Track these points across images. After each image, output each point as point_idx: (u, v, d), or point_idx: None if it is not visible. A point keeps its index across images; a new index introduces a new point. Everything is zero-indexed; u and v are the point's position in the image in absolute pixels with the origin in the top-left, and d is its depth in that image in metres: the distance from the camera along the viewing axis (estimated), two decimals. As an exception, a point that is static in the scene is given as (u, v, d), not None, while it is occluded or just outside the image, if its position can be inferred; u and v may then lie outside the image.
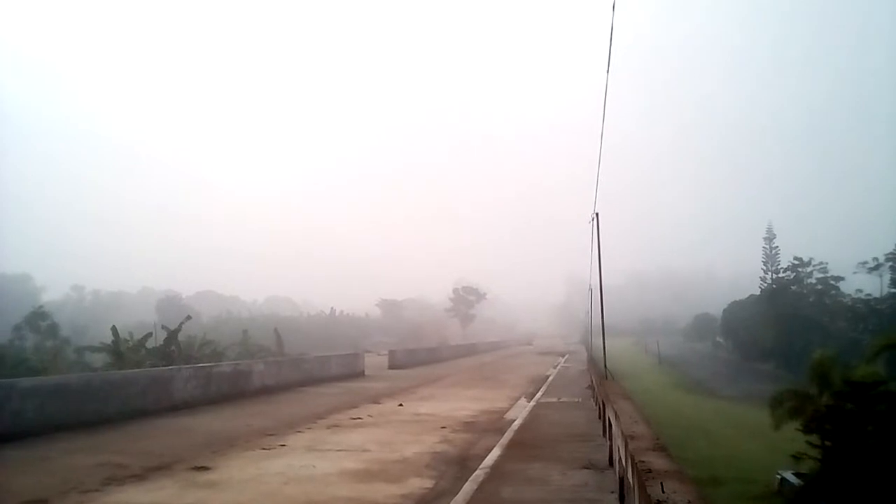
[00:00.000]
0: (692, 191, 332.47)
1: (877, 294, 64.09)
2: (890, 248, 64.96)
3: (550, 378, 34.50)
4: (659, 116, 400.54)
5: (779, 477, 18.02)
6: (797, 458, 17.54)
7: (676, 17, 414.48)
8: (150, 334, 36.54)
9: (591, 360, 37.29)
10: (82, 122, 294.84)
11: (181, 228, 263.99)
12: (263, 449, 13.62)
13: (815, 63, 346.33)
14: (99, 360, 36.85)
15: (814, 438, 17.37)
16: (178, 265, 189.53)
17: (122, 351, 33.26)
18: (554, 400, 23.11)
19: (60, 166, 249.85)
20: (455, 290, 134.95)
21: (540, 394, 25.35)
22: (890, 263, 64.45)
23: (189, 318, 40.73)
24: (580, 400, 22.72)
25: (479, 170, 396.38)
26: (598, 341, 27.38)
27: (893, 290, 62.94)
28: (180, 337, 36.80)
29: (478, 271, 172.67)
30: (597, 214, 22.71)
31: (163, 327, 37.86)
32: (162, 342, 36.09)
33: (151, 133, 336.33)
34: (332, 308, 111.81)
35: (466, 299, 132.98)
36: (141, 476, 11.00)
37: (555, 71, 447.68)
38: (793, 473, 17.58)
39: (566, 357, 59.36)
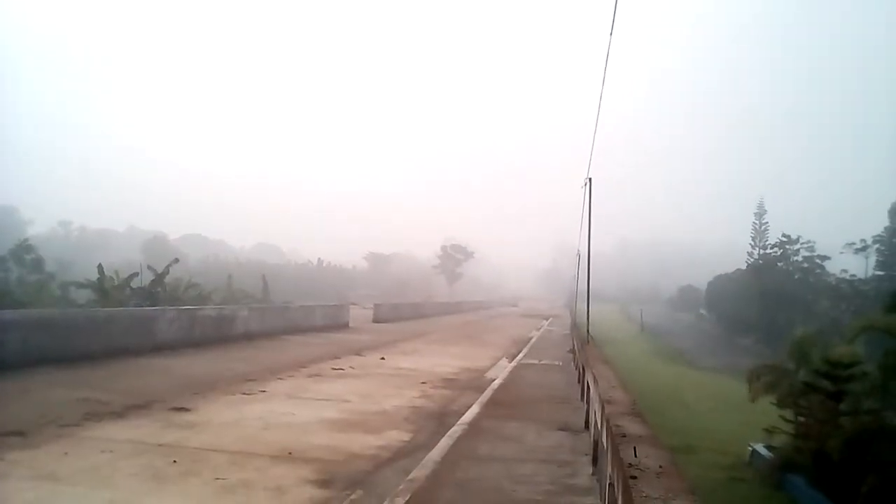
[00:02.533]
0: (685, 162, 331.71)
1: (861, 275, 64.54)
2: (878, 231, 65.30)
3: (533, 340, 34.69)
4: (656, 86, 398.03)
5: (751, 449, 18.30)
6: (770, 431, 17.81)
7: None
8: (136, 274, 36.45)
9: (575, 325, 37.56)
10: (76, 59, 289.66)
11: (170, 170, 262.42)
12: (244, 394, 13.70)
13: (810, 41, 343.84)
14: (83, 296, 36.85)
15: (787, 413, 17.63)
16: (167, 206, 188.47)
17: (107, 289, 33.22)
18: (535, 362, 23.27)
19: (51, 102, 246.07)
20: (443, 248, 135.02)
21: (522, 355, 25.53)
22: (877, 245, 64.78)
23: (177, 260, 40.66)
24: (561, 363, 22.89)
25: (472, 130, 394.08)
26: (582, 306, 27.55)
27: (878, 273, 63.40)
28: (166, 279, 36.75)
29: (467, 231, 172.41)
30: (590, 180, 22.68)
31: (149, 268, 37.77)
32: (148, 283, 36.04)
33: (146, 74, 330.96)
34: (319, 258, 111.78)
35: (454, 257, 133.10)
36: (120, 413, 11.06)
37: (552, 29, 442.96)
38: (764, 446, 17.85)
39: (550, 320, 59.67)
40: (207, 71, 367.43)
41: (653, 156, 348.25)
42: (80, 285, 36.63)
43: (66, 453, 8.50)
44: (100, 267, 34.45)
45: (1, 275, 49.87)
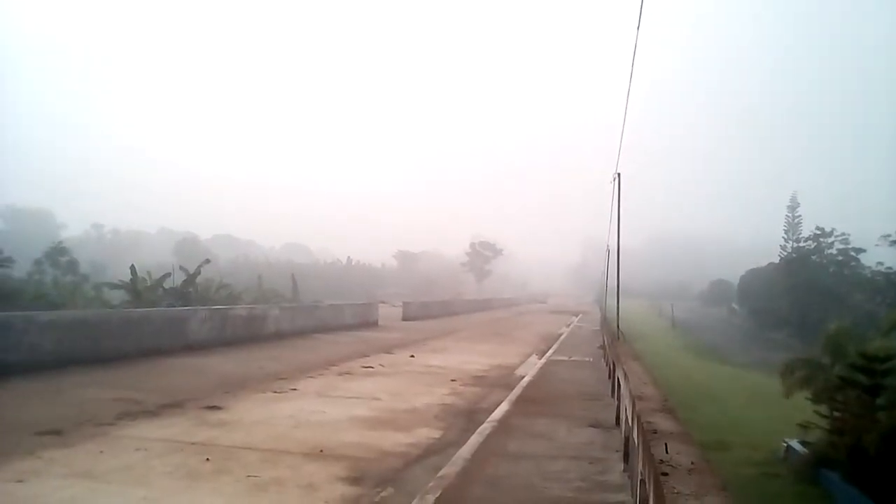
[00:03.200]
0: (716, 155, 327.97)
1: (897, 268, 63.34)
2: (915, 222, 64.23)
3: (562, 336, 34.57)
4: (685, 79, 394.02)
5: (785, 445, 18.05)
6: (805, 427, 17.56)
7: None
8: (168, 274, 36.87)
9: (604, 321, 37.35)
10: (107, 59, 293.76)
11: (202, 171, 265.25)
12: (275, 392, 13.81)
13: (846, 29, 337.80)
14: (117, 297, 37.31)
15: (822, 409, 17.37)
16: (198, 207, 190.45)
17: (139, 290, 33.63)
18: (565, 358, 23.18)
19: (85, 105, 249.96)
20: (472, 245, 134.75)
21: (551, 352, 25.44)
22: (915, 237, 63.49)
23: (208, 261, 41.07)
24: (591, 359, 22.78)
25: (500, 126, 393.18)
26: (612, 302, 27.39)
27: (916, 265, 62.17)
28: (198, 279, 37.14)
29: (495, 228, 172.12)
30: (618, 175, 22.54)
31: (181, 268, 38.19)
32: (180, 283, 36.44)
33: (172, 81, 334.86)
34: (348, 257, 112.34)
35: (482, 254, 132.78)
36: (154, 412, 11.21)
37: (581, 26, 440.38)
38: (799, 442, 17.59)
39: (579, 317, 59.42)
40: (233, 75, 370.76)
41: (683, 149, 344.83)
42: (114, 286, 37.10)
43: (101, 452, 8.63)
44: (132, 268, 34.88)
45: (36, 277, 50.57)
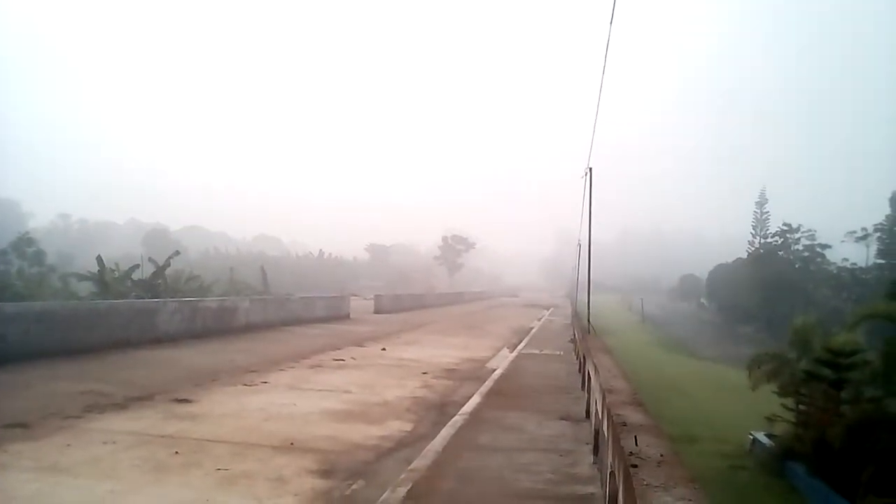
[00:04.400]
0: (686, 151, 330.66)
1: (862, 264, 64.36)
2: (879, 219, 65.16)
3: (534, 330, 34.74)
4: (656, 75, 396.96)
5: (751, 437, 18.31)
6: (771, 420, 17.83)
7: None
8: (137, 266, 36.50)
9: (576, 315, 37.58)
10: (76, 50, 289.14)
11: (173, 162, 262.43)
12: (245, 385, 13.73)
13: (812, 31, 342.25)
14: (84, 288, 36.86)
15: (788, 402, 17.63)
16: (167, 198, 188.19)
17: (107, 281, 33.23)
18: (536, 352, 23.29)
19: (52, 94, 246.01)
20: (444, 239, 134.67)
21: (522, 345, 25.55)
22: (878, 234, 64.60)
23: (177, 252, 40.64)
24: (562, 353, 22.91)
25: (472, 119, 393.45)
26: (583, 296, 27.57)
27: (879, 261, 63.20)
28: (167, 271, 36.77)
29: (468, 221, 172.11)
30: (590, 169, 22.65)
31: (150, 260, 37.80)
32: (149, 275, 36.06)
33: (146, 71, 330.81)
34: (320, 250, 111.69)
35: (455, 248, 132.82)
36: (122, 405, 11.09)
37: (553, 20, 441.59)
38: (765, 435, 17.86)
39: (551, 310, 59.73)
40: (208, 67, 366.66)
41: (654, 145, 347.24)
42: (81, 277, 36.63)
43: (68, 445, 8.52)
44: (99, 259, 34.47)
45: (2, 267, 49.77)
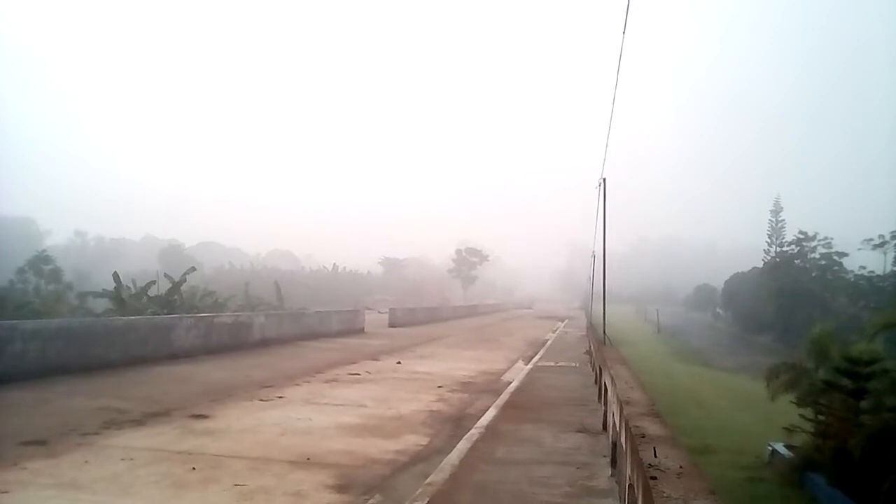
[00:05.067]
0: (700, 160, 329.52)
1: (880, 271, 63.88)
2: (896, 227, 64.71)
3: (549, 342, 34.65)
4: (669, 85, 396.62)
5: (770, 448, 18.16)
6: (790, 430, 17.68)
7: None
8: (153, 282, 36.68)
9: (591, 326, 37.44)
10: (88, 66, 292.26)
11: (187, 179, 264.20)
12: (261, 400, 13.75)
13: (825, 36, 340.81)
14: (101, 305, 37.06)
15: (807, 412, 17.48)
16: (182, 215, 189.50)
17: (124, 298, 33.43)
18: (551, 364, 23.20)
19: (68, 111, 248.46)
20: (458, 251, 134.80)
21: (538, 357, 25.46)
22: (895, 241, 64.14)
23: (193, 268, 40.94)
24: (577, 365, 22.81)
25: (485, 131, 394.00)
26: (598, 307, 27.47)
27: (897, 269, 62.80)
28: (183, 287, 36.96)
29: (481, 234, 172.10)
30: (604, 180, 22.59)
31: (165, 276, 38.01)
32: (165, 291, 36.25)
33: (160, 85, 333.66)
34: (334, 264, 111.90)
35: (469, 260, 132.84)
36: (140, 421, 11.13)
37: (566, 29, 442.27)
38: (784, 445, 17.71)
39: (566, 322, 59.55)
40: (221, 85, 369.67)
41: (667, 154, 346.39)
42: (98, 295, 36.84)
43: (86, 462, 8.56)
44: (115, 275, 34.65)
45: (20, 285, 50.21)
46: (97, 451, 9.10)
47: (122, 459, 8.69)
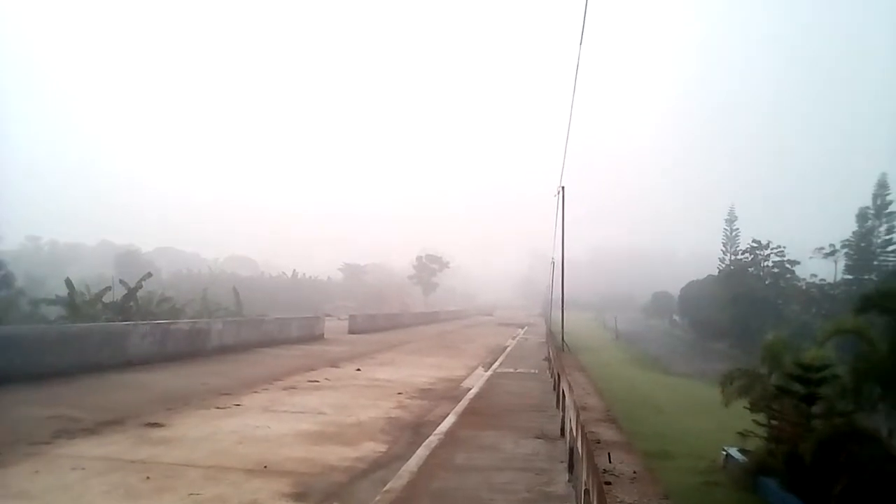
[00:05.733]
0: (658, 169, 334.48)
1: (831, 279, 65.34)
2: (846, 236, 66.20)
3: (509, 349, 34.82)
4: (628, 95, 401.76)
5: (724, 453, 18.41)
6: (744, 435, 17.95)
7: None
8: (108, 288, 35.98)
9: (550, 333, 37.69)
10: (42, 68, 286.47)
11: (145, 183, 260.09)
12: (218, 408, 13.59)
13: (780, 50, 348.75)
14: (54, 312, 36.26)
15: (760, 417, 17.77)
16: (140, 219, 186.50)
17: (78, 304, 32.75)
18: (511, 370, 23.32)
19: (15, 110, 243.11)
20: (418, 258, 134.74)
21: (497, 364, 25.58)
22: (845, 250, 65.63)
23: (150, 274, 40.13)
24: (537, 371, 22.96)
25: (445, 139, 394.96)
26: (557, 314, 27.69)
27: (847, 276, 64.19)
28: (139, 293, 36.32)
29: (442, 241, 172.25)
30: (563, 188, 22.83)
31: (121, 282, 37.33)
32: (120, 297, 35.59)
33: (114, 88, 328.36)
34: (294, 270, 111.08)
35: (429, 267, 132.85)
36: (92, 430, 10.93)
37: (524, 42, 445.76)
38: (738, 450, 17.97)
39: (526, 329, 59.89)
40: (178, 83, 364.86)
41: (626, 164, 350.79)
42: (51, 301, 36.01)
43: (36, 471, 8.38)
44: (68, 282, 33.94)
45: (-31, 292, 48.90)
46: (48, 461, 8.92)
47: (74, 469, 8.53)
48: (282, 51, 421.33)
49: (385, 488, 7.90)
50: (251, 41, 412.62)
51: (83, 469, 8.53)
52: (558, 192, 22.96)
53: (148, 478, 8.23)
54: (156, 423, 11.64)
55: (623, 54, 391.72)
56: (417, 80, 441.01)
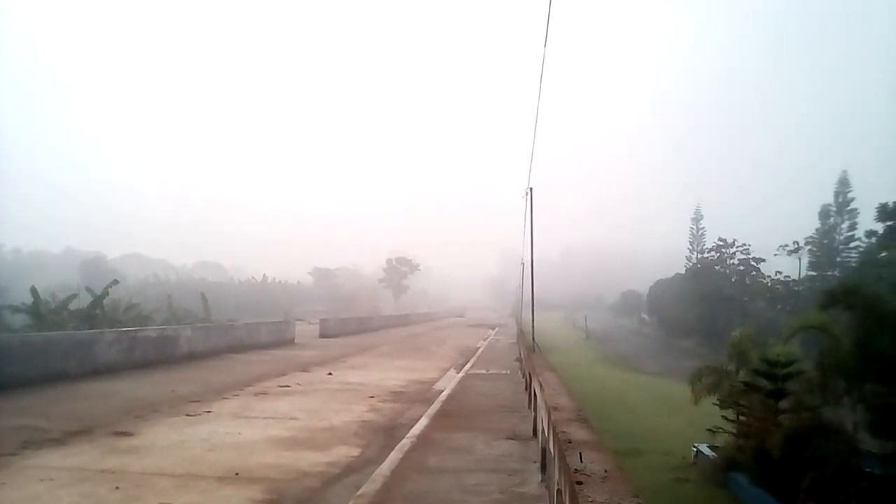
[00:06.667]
0: (624, 169, 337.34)
1: (795, 276, 66.31)
2: (809, 233, 67.23)
3: (480, 350, 34.89)
4: (596, 93, 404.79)
5: (695, 450, 18.64)
6: (713, 431, 18.19)
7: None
8: (74, 296, 35.50)
9: (521, 334, 37.83)
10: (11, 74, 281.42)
11: (109, 189, 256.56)
12: (188, 415, 13.47)
13: (745, 50, 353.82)
14: (19, 321, 35.64)
15: (729, 413, 18.02)
16: (105, 226, 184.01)
17: (43, 312, 32.23)
18: (482, 371, 23.38)
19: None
20: (388, 261, 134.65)
21: (469, 365, 25.62)
22: (809, 247, 66.65)
23: (116, 281, 39.59)
24: (508, 372, 23.04)
25: (413, 141, 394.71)
26: (528, 315, 27.82)
27: (811, 273, 65.20)
28: (105, 300, 35.83)
29: (413, 242, 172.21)
30: (531, 189, 22.94)
31: (87, 289, 36.81)
32: (87, 305, 35.08)
33: (81, 90, 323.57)
34: (263, 275, 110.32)
35: (399, 270, 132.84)
36: (60, 440, 10.78)
37: (494, 44, 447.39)
38: (708, 446, 18.20)
39: (497, 330, 60.03)
40: (144, 88, 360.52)
41: (596, 165, 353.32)
42: (15, 309, 35.38)
43: (2, 483, 8.25)
44: (33, 289, 33.39)
45: (-71, 301, 47.89)
46: (14, 473, 8.78)
47: (42, 480, 8.40)
48: (253, 56, 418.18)
49: (358, 493, 7.89)
50: (218, 45, 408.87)
51: (51, 480, 8.41)
52: (526, 193, 23.07)
53: (117, 488, 8.14)
54: (125, 432, 11.51)
55: (592, 55, 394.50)
56: (388, 83, 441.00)
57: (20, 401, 14.75)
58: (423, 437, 11.32)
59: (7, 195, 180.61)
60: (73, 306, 34.85)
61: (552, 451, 6.43)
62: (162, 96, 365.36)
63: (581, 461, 4.65)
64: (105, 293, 35.49)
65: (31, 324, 32.22)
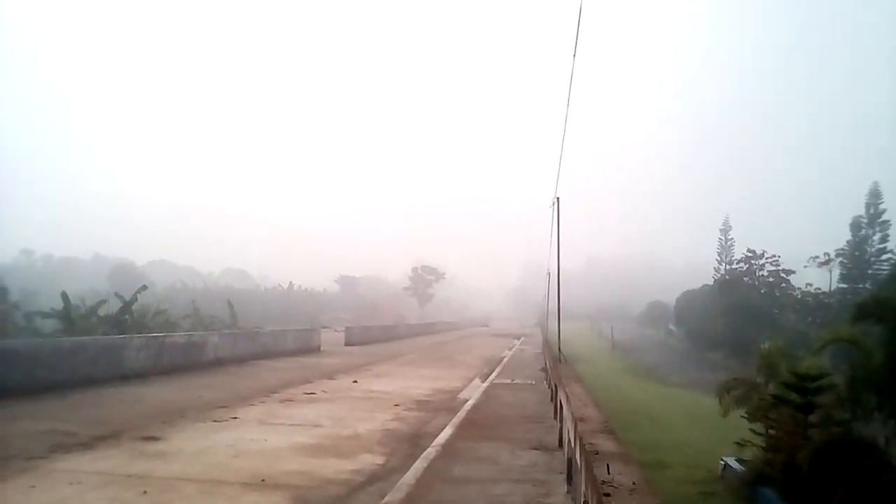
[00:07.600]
0: (654, 181, 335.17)
1: (826, 288, 65.42)
2: (841, 244, 66.37)
3: (505, 360, 34.78)
4: (624, 106, 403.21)
5: (722, 463, 18.39)
6: (741, 445, 17.95)
7: (647, 4, 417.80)
8: (103, 301, 35.91)
9: (546, 344, 37.66)
10: (35, 79, 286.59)
11: (139, 196, 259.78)
12: (214, 421, 13.55)
13: (775, 59, 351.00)
14: (49, 326, 36.14)
15: (758, 426, 17.77)
16: (134, 232, 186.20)
17: (73, 318, 32.66)
18: (508, 381, 23.29)
19: (15, 130, 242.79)
20: (414, 269, 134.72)
21: (494, 375, 25.55)
22: (840, 259, 65.76)
23: (145, 287, 40.04)
24: (534, 382, 22.94)
25: (441, 151, 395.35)
26: (553, 324, 27.68)
27: (842, 285, 64.30)
28: (134, 306, 36.24)
29: (436, 252, 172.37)
30: (557, 199, 22.86)
31: (116, 295, 37.23)
32: (115, 311, 35.49)
33: (107, 97, 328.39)
34: (289, 282, 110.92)
35: (425, 278, 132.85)
36: (88, 444, 10.88)
37: (519, 54, 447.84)
38: (736, 460, 17.95)
39: (522, 339, 59.83)
40: (171, 95, 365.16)
41: (621, 175, 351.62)
42: (46, 315, 35.90)
43: (32, 486, 8.34)
44: (64, 295, 33.85)
45: (-38, 306, 48.65)
46: (43, 476, 8.87)
47: (70, 484, 8.48)
48: (277, 63, 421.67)
49: (383, 501, 7.87)
50: (248, 52, 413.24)
51: (80, 483, 8.49)
52: (553, 204, 22.99)
53: (145, 492, 8.19)
54: (152, 437, 11.60)
55: (618, 65, 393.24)
56: (412, 91, 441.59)
57: (49, 405, 14.93)
58: (447, 447, 11.28)
59: (37, 203, 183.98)
60: (102, 312, 35.29)
61: (579, 462, 6.38)
62: (193, 109, 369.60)
63: (608, 473, 4.61)
64: (134, 299, 35.91)
65: (61, 329, 32.66)
